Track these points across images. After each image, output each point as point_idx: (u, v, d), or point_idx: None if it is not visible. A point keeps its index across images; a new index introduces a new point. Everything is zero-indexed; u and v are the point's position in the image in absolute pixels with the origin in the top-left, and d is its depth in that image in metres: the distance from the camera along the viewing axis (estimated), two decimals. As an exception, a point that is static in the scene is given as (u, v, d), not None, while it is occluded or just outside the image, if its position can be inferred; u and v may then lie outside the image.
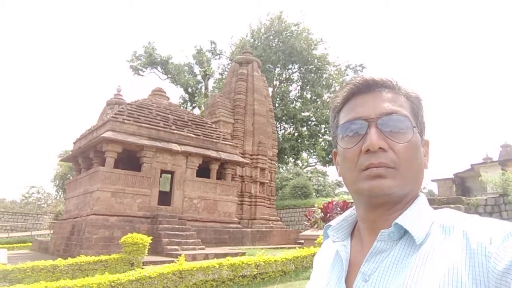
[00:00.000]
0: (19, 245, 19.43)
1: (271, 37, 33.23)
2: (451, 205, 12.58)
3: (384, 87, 0.76)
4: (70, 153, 17.42)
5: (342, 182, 0.87)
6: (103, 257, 9.05)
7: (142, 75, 36.11)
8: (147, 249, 9.51)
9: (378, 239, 0.69)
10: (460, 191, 18.84)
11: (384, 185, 0.68)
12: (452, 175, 20.49)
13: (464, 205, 12.77)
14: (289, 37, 32.12)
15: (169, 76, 35.82)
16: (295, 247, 13.88)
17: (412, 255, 0.65)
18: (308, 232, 14.69)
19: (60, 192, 37.71)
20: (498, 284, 0.55)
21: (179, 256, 8.08)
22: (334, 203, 15.29)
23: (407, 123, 0.72)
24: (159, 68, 35.65)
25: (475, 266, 0.58)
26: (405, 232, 0.68)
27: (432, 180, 23.40)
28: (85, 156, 15.35)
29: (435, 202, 13.90)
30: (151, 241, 9.78)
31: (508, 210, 12.15)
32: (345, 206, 15.20)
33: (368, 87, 0.76)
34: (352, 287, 0.69)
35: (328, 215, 14.78)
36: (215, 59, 38.38)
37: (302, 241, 14.33)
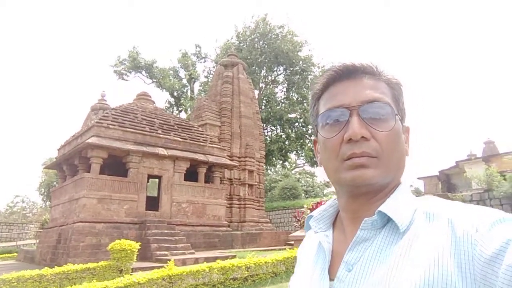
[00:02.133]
0: (4, 255, 18.94)
1: (256, 39, 33.29)
2: (438, 202, 12.78)
3: (365, 73, 0.74)
4: (55, 160, 17.10)
5: (330, 183, 0.86)
6: (90, 265, 8.89)
7: (127, 80, 35.78)
8: (135, 255, 9.37)
9: (361, 228, 0.67)
10: (446, 188, 19.14)
11: (366, 175, 0.67)
12: (437, 172, 20.80)
13: (450, 201, 12.97)
14: (274, 39, 32.23)
15: (154, 80, 35.58)
16: (285, 248, 13.86)
17: (395, 243, 0.64)
18: (298, 233, 14.71)
19: (45, 201, 36.99)
20: (484, 272, 0.54)
21: (168, 261, 7.99)
22: (323, 203, 15.36)
23: (389, 110, 0.70)
24: (143, 72, 35.37)
25: (460, 254, 0.57)
26: (388, 220, 0.67)
27: (418, 178, 23.72)
28: (70, 163, 15.09)
29: (421, 199, 14.11)
30: (139, 247, 9.65)
31: (493, 205, 12.38)
32: (333, 206, 15.29)
33: (348, 73, 0.74)
34: (335, 277, 0.67)
35: (317, 215, 14.83)
36: (201, 62, 38.29)
37: (292, 242, 14.35)
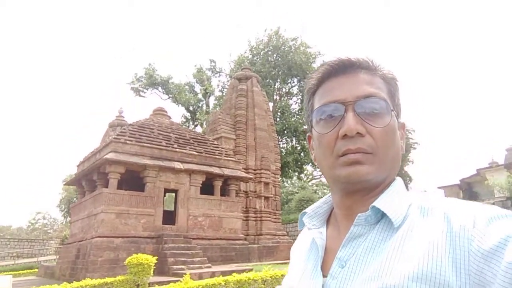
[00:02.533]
0: (25, 271, 19.30)
1: (270, 52, 33.59)
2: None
3: (361, 68, 0.73)
4: (74, 176, 17.45)
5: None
6: (108, 280, 8.95)
7: (144, 96, 36.49)
8: (152, 270, 9.39)
9: (355, 224, 0.67)
10: (468, 197, 18.63)
11: (361, 172, 0.66)
12: (458, 181, 20.30)
13: (471, 210, 12.60)
14: (287, 52, 32.45)
15: (170, 95, 36.15)
16: (302, 261, 13.67)
17: (389, 238, 0.63)
18: (316, 245, 14.51)
19: (66, 217, 37.66)
20: (480, 268, 0.53)
21: (184, 275, 7.98)
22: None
23: (385, 106, 0.70)
24: (160, 88, 36.01)
25: (456, 249, 0.56)
26: (382, 215, 0.66)
27: (438, 187, 23.19)
28: (88, 179, 15.37)
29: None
30: (156, 261, 9.67)
31: (517, 213, 11.96)
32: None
33: (344, 68, 0.73)
34: (328, 273, 0.66)
35: (335, 227, 14.62)
36: (215, 77, 38.79)
37: (310, 255, 14.12)
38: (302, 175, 35.74)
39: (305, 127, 32.39)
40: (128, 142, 14.05)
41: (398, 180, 0.73)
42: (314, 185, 36.38)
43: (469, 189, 19.42)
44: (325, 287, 0.65)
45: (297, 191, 30.16)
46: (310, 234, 0.77)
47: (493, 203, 12.59)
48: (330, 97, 0.71)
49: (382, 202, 0.66)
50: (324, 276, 0.67)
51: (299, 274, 0.74)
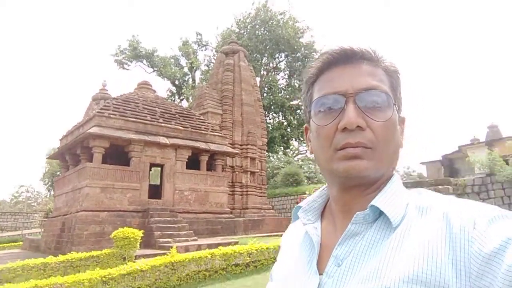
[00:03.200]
0: (9, 244, 19.22)
1: (257, 26, 32.98)
2: (440, 187, 12.77)
3: (363, 59, 0.70)
4: (57, 150, 17.17)
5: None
6: (94, 253, 8.99)
7: (128, 69, 35.68)
8: (139, 243, 9.46)
9: (353, 222, 0.65)
10: (449, 173, 19.09)
11: (360, 167, 0.64)
12: (440, 157, 20.73)
13: (452, 186, 12.96)
14: (275, 26, 31.91)
15: (155, 69, 35.44)
16: (287, 235, 13.95)
17: (387, 238, 0.62)
18: (300, 219, 14.79)
19: (50, 190, 37.34)
20: (481, 271, 0.52)
21: (171, 248, 8.06)
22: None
23: (387, 99, 0.67)
24: (144, 61, 35.22)
25: (456, 251, 0.55)
26: (380, 214, 0.65)
27: (421, 163, 23.65)
28: (72, 153, 15.15)
29: (424, 184, 14.10)
30: (143, 235, 9.72)
31: (495, 189, 12.36)
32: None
33: (346, 58, 0.70)
34: (323, 271, 0.65)
35: (319, 201, 14.88)
36: (202, 50, 38.10)
37: (294, 229, 14.42)
38: (288, 150, 35.98)
39: (292, 102, 32.40)
40: (112, 116, 13.81)
41: (396, 177, 0.71)
42: (300, 160, 36.74)
43: (450, 165, 19.87)
44: (321, 285, 0.64)
45: (283, 166, 30.42)
46: (304, 228, 0.75)
47: (473, 179, 12.96)
48: (330, 88, 0.69)
49: (380, 200, 0.64)
50: (320, 273, 0.66)
51: (293, 270, 0.72)
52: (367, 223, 0.65)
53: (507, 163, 12.11)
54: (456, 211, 0.59)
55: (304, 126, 0.81)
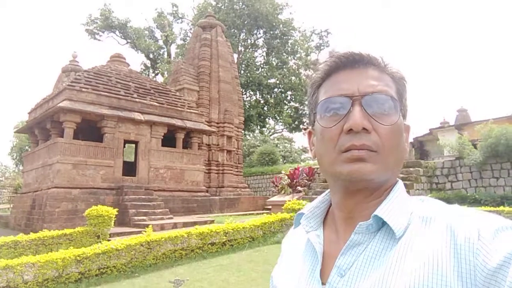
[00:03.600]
0: (-25, 221, 18.54)
1: (235, 0, 32.16)
2: (411, 168, 13.18)
3: (370, 64, 0.69)
4: (26, 124, 16.47)
5: (308, 148, 0.81)
6: (67, 231, 8.81)
7: (100, 40, 34.20)
8: (113, 221, 9.33)
9: (355, 232, 0.64)
10: (419, 155, 19.72)
11: (365, 170, 0.63)
12: (411, 140, 21.36)
13: (422, 168, 13.40)
14: (253, 1, 31.20)
15: (129, 40, 34.17)
16: (263, 213, 14.18)
17: (391, 248, 0.61)
18: (275, 198, 15.01)
19: (18, 165, 36.07)
20: (487, 284, 0.51)
21: (146, 227, 8.01)
22: (300, 169, 15.62)
23: (394, 104, 0.66)
24: (117, 32, 33.81)
25: (461, 263, 0.54)
26: (384, 223, 0.64)
27: (393, 144, 24.28)
28: (42, 127, 14.58)
29: (395, 165, 14.49)
30: (117, 213, 9.59)
31: (463, 173, 12.88)
32: (310, 172, 15.58)
33: (353, 62, 0.69)
34: (326, 281, 0.64)
35: (295, 181, 15.12)
36: (177, 23, 36.91)
37: (270, 207, 14.65)
38: (265, 129, 36.05)
39: (270, 81, 32.17)
40: (83, 89, 13.31)
41: (400, 184, 0.70)
42: (276, 139, 36.97)
43: (420, 147, 20.51)
44: None
45: (259, 145, 30.55)
46: (306, 236, 0.74)
47: (443, 162, 13.44)
48: (336, 91, 0.68)
49: (384, 210, 0.63)
50: (322, 283, 0.65)
51: (295, 278, 0.71)
52: (370, 233, 0.64)
53: (475, 148, 12.59)
54: (460, 222, 0.58)
55: (307, 131, 0.80)
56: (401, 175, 13.16)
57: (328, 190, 0.76)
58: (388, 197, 0.66)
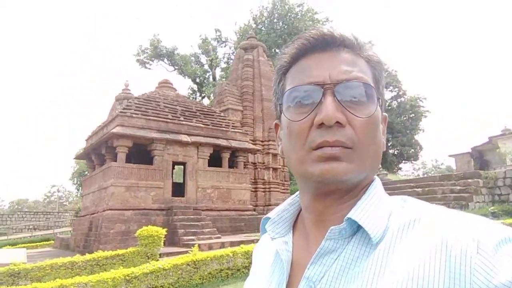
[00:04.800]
0: (42, 243, 19.93)
1: (275, 20, 32.69)
2: (469, 180, 12.29)
3: (344, 46, 0.60)
4: (83, 150, 17.62)
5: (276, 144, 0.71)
6: (120, 251, 9.15)
7: (149, 68, 36.21)
8: (162, 241, 9.56)
9: (327, 238, 0.55)
10: (479, 165, 18.40)
11: (338, 170, 0.54)
12: (469, 149, 20.02)
13: (482, 179, 12.45)
14: (293, 19, 31.54)
15: (176, 67, 35.78)
16: (311, 231, 13.82)
17: (367, 256, 0.52)
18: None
19: (79, 190, 38.52)
20: None
21: (192, 247, 8.10)
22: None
23: (371, 92, 0.57)
24: (165, 60, 35.61)
25: (455, 279, 0.45)
26: (359, 226, 0.55)
27: (450, 155, 22.93)
28: (97, 153, 15.50)
29: (452, 177, 13.61)
30: (167, 233, 9.83)
31: (529, 182, 11.77)
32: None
33: (324, 45, 0.60)
34: None
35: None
36: (221, 47, 38.13)
37: (318, 224, 14.27)
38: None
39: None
40: (134, 115, 14.01)
41: (377, 182, 0.61)
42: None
43: (480, 157, 19.15)
44: None
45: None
46: (274, 244, 0.65)
47: (505, 172, 12.38)
48: (305, 78, 0.59)
49: (358, 212, 0.54)
50: None
51: None
52: (344, 239, 0.55)
53: (542, 154, 11.49)
54: (453, 229, 0.48)
55: (274, 123, 0.71)
56: (459, 187, 12.31)
57: (298, 191, 0.67)
58: (363, 198, 0.57)
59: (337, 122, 0.54)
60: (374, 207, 0.56)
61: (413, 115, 30.88)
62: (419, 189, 13.08)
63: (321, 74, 0.58)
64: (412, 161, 35.39)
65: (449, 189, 12.49)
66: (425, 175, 35.32)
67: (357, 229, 0.55)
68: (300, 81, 0.59)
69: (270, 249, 0.68)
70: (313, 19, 31.70)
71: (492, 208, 11.13)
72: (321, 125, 0.55)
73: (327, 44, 0.60)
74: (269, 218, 0.67)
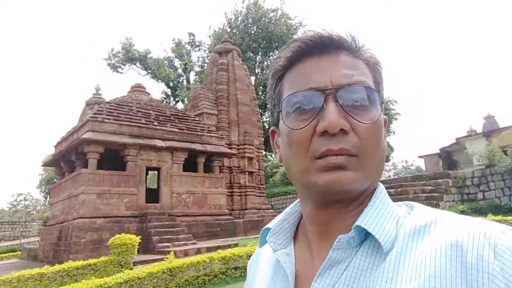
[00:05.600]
0: (7, 254, 18.99)
1: (249, 24, 32.78)
2: (439, 180, 12.68)
3: (342, 48, 0.57)
4: (52, 157, 16.98)
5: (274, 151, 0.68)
6: (91, 261, 8.83)
7: (121, 72, 35.44)
8: (136, 249, 9.31)
9: (334, 247, 0.52)
10: (447, 165, 19.04)
11: (345, 179, 0.51)
12: (438, 150, 20.68)
13: (451, 179, 12.87)
14: (267, 24, 31.72)
15: (149, 71, 35.23)
16: (287, 234, 13.85)
17: (378, 266, 0.49)
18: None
19: (47, 198, 37.14)
20: None
21: (168, 254, 7.92)
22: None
23: (374, 97, 0.55)
24: (138, 64, 35.00)
25: (473, 287, 0.42)
26: (367, 235, 0.52)
27: (419, 156, 23.62)
28: (67, 159, 14.97)
29: (422, 178, 14.01)
30: (141, 240, 9.59)
31: (495, 181, 12.26)
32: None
33: (322, 47, 0.57)
34: None
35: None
36: (195, 51, 37.85)
37: (295, 227, 14.32)
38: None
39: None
40: (106, 120, 13.64)
41: (381, 188, 0.58)
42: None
43: (448, 158, 19.82)
44: None
45: (281, 165, 30.25)
46: (275, 256, 0.62)
47: (472, 171, 12.86)
48: (305, 83, 0.56)
49: (367, 219, 0.52)
50: None
51: None
52: (352, 248, 0.52)
53: (506, 154, 12.01)
54: (467, 234, 0.46)
55: (270, 130, 0.68)
56: (429, 187, 12.67)
57: (298, 200, 0.64)
58: (370, 204, 0.54)
59: (341, 129, 0.52)
60: (382, 214, 0.53)
61: (385, 117, 31.67)
62: (391, 190, 13.37)
63: (321, 79, 0.55)
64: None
65: (421, 189, 12.84)
66: (396, 176, 36.27)
67: (364, 237, 0.52)
68: (300, 87, 0.56)
69: (269, 262, 0.64)
70: (287, 24, 31.99)
71: (462, 206, 11.52)
72: (324, 132, 0.52)
73: (325, 46, 0.57)
74: (269, 229, 0.64)
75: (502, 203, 11.55)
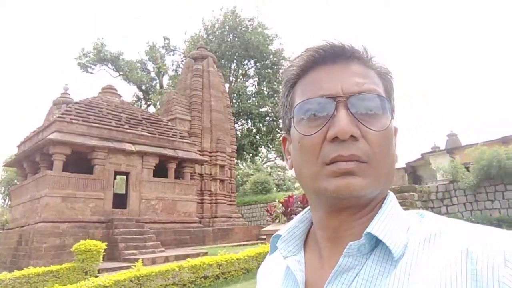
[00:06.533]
0: (-41, 259, 17.82)
1: (226, 32, 32.85)
2: (406, 193, 13.08)
3: (354, 57, 0.59)
4: (14, 157, 16.20)
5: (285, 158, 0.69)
6: (53, 267, 8.45)
7: (92, 73, 34.47)
8: (102, 256, 9.00)
9: (345, 254, 0.53)
10: (412, 180, 19.69)
11: (354, 185, 0.52)
12: (404, 165, 21.38)
13: (417, 192, 13.31)
14: (244, 32, 31.91)
15: (121, 73, 34.47)
16: (257, 243, 13.84)
17: (389, 273, 0.50)
18: (270, 227, 14.69)
19: (6, 200, 35.27)
20: None
21: (136, 261, 7.71)
22: (294, 197, 15.41)
23: (384, 105, 0.56)
24: (109, 65, 34.17)
25: None
26: (377, 242, 0.53)
27: (386, 170, 24.35)
28: (30, 160, 14.33)
29: (390, 191, 14.40)
30: (106, 247, 9.27)
31: (458, 196, 12.80)
32: (304, 200, 15.38)
33: (334, 56, 0.59)
34: None
35: (289, 209, 14.88)
36: (169, 55, 37.46)
37: (264, 237, 14.32)
38: (257, 158, 35.96)
39: (261, 109, 32.45)
40: (74, 121, 13.20)
41: (392, 196, 0.60)
42: (269, 167, 36.83)
43: (413, 172, 20.51)
44: None
45: (252, 173, 30.39)
46: (285, 262, 0.62)
47: (437, 186, 13.37)
48: (316, 91, 0.57)
49: (378, 226, 0.53)
50: None
51: None
52: (362, 255, 0.53)
53: (468, 170, 12.59)
54: (477, 241, 0.48)
55: (281, 137, 0.69)
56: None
57: (308, 207, 0.65)
58: (381, 211, 0.56)
59: (351, 135, 0.53)
60: (392, 221, 0.54)
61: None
62: (360, 202, 13.62)
63: (333, 86, 0.56)
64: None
65: (388, 202, 13.18)
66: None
67: (375, 245, 0.53)
68: (312, 94, 0.57)
69: (279, 269, 0.65)
70: (263, 34, 32.30)
71: (426, 220, 11.91)
72: (334, 139, 0.53)
73: (337, 56, 0.59)
74: (279, 236, 0.64)
75: (464, 218, 12.06)
